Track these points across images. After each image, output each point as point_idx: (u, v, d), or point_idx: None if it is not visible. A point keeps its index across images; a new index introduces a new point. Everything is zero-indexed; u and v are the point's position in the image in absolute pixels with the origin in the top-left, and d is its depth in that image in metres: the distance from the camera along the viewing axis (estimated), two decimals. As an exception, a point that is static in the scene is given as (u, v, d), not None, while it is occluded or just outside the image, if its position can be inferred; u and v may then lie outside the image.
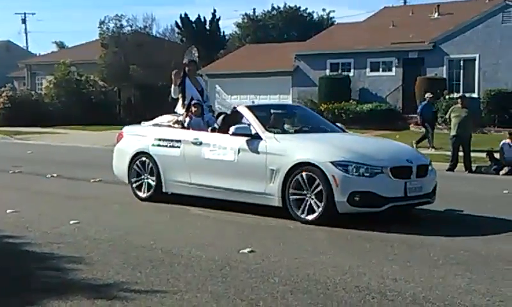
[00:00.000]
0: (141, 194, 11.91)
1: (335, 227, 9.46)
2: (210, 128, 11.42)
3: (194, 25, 54.51)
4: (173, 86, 12.42)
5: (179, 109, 12.35)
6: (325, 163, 9.55)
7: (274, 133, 10.56)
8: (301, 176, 9.75)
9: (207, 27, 55.03)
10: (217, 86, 42.44)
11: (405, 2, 55.33)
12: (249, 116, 10.86)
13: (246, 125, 10.63)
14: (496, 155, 18.60)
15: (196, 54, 12.96)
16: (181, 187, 11.43)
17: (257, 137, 10.42)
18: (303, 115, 12.76)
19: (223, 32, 58.23)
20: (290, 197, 9.87)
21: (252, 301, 6.10)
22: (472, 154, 18.52)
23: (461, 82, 33.36)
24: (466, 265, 7.43)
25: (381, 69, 36.13)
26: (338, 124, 12.01)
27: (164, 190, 11.65)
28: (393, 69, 35.66)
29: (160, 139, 11.77)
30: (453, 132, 18.47)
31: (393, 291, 6.38)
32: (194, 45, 14.11)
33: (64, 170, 16.92)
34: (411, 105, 33.74)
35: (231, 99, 41.51)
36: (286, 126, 11.49)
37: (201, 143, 11.11)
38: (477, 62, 32.90)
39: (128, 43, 48.29)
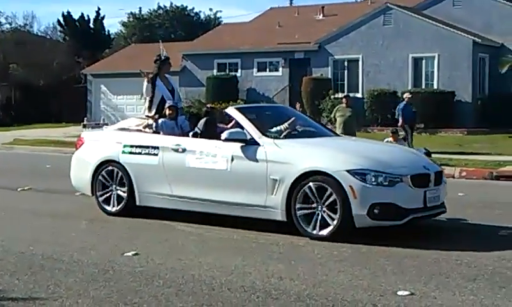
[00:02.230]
0: (109, 208, 10.53)
1: (221, 227, 9.44)
2: (191, 133, 10.25)
3: (77, 23, 53.27)
4: (145, 83, 11.00)
5: (146, 111, 11.10)
6: (340, 172, 8.53)
7: (272, 137, 9.49)
8: (310, 187, 8.69)
9: (91, 25, 53.92)
10: (102, 85, 41.72)
11: (291, 3, 56.21)
12: (241, 119, 9.69)
13: (240, 130, 9.51)
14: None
15: (163, 52, 11.49)
16: (159, 199, 10.11)
17: (253, 142, 9.29)
18: (290, 116, 10.94)
19: (108, 31, 57.39)
20: (298, 211, 8.80)
21: (136, 305, 5.98)
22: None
23: (346, 82, 34.16)
24: (348, 262, 7.58)
25: (268, 69, 36.51)
26: (329, 127, 10.68)
27: (137, 203, 10.30)
28: (280, 69, 36.11)
29: (132, 146, 10.39)
30: (338, 131, 18.82)
31: (278, 290, 6.41)
32: (161, 40, 12.87)
33: None
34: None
35: (117, 99, 40.98)
36: (274, 129, 10.02)
37: (184, 150, 9.85)
38: (360, 62, 33.79)
39: (8, 41, 46.73)
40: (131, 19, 64.15)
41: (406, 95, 22.94)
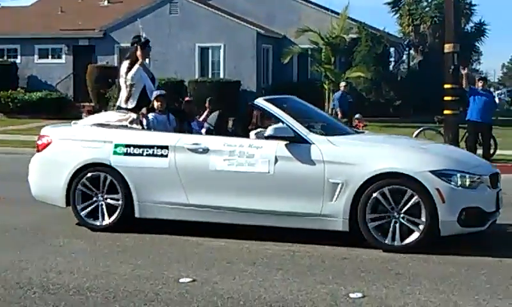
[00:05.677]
0: (98, 222, 8.56)
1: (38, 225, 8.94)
2: (203, 130, 8.84)
3: None
4: (136, 66, 9.27)
5: (123, 103, 9.24)
6: (423, 173, 7.50)
7: (322, 134, 8.26)
8: (384, 191, 7.57)
9: None
10: None
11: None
12: (279, 113, 8.25)
13: (284, 126, 8.07)
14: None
15: (143, 33, 9.89)
16: (168, 209, 8.39)
17: (300, 140, 7.96)
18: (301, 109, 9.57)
19: None
20: (369, 220, 7.64)
21: None
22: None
23: (132, 71, 33.83)
24: (131, 252, 7.49)
25: (50, 56, 35.24)
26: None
27: (137, 215, 8.48)
28: (64, 56, 35.02)
29: (128, 145, 8.53)
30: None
31: (56, 284, 6.20)
32: (139, 19, 10.49)
33: None
34: (83, 93, 33.52)
35: None
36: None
37: (206, 150, 8.24)
38: (146, 51, 33.58)
39: None
40: None
41: (342, 84, 21.57)
